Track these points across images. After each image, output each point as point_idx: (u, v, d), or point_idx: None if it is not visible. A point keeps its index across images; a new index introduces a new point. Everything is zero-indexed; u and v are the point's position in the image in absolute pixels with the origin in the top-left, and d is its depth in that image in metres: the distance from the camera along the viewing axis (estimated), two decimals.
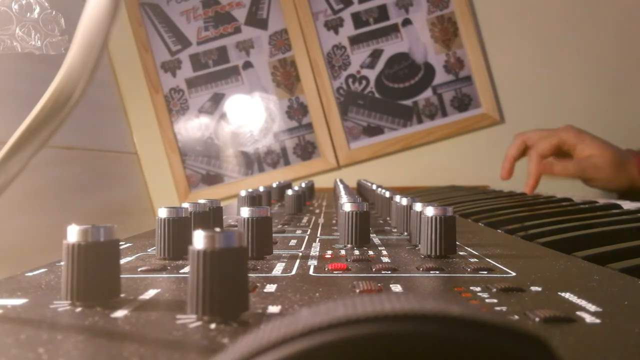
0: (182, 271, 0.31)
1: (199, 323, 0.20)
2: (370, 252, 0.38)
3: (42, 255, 0.87)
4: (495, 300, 0.24)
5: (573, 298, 0.25)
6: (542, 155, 1.01)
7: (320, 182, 1.49)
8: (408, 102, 1.59)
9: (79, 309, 0.22)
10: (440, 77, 1.58)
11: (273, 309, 0.23)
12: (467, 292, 0.26)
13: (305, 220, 0.61)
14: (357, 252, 0.38)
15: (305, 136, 1.61)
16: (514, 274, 0.31)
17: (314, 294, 0.26)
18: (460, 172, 1.54)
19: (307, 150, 1.61)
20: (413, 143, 1.58)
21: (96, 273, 0.23)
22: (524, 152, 1.06)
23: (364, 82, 1.60)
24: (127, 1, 1.60)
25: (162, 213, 0.35)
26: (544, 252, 0.38)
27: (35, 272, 0.30)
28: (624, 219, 0.55)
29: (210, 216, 0.44)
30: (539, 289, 0.27)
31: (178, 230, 0.34)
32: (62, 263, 0.23)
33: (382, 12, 1.59)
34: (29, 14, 0.97)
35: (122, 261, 0.34)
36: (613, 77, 1.55)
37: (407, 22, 1.59)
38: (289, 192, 0.68)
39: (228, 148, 1.63)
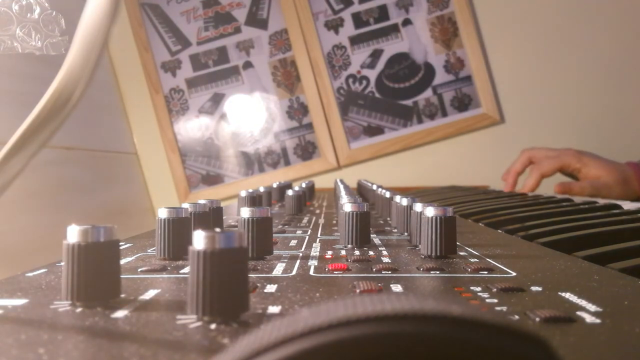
0: (182, 271, 0.31)
1: (199, 323, 0.20)
2: (371, 253, 0.38)
3: (42, 255, 0.87)
4: (495, 300, 0.24)
5: (573, 298, 0.25)
6: (543, 175, 1.09)
7: (321, 182, 1.49)
8: (408, 102, 1.59)
9: (79, 310, 0.22)
10: (441, 77, 1.58)
11: (273, 309, 0.23)
12: (468, 292, 0.26)
13: (305, 220, 0.61)
14: (357, 252, 0.38)
15: (306, 136, 1.61)
16: (514, 274, 0.31)
17: (315, 294, 0.26)
18: (460, 172, 1.54)
19: (307, 151, 1.61)
20: (413, 143, 1.58)
21: (96, 273, 0.23)
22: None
23: (364, 82, 1.60)
24: (127, 1, 1.60)
25: (162, 213, 0.35)
26: (544, 252, 0.38)
27: (35, 272, 0.30)
28: (624, 219, 0.55)
29: (210, 216, 0.44)
30: (539, 289, 0.27)
31: (178, 230, 0.34)
32: (62, 263, 0.23)
33: (382, 12, 1.59)
34: (29, 15, 0.97)
35: (122, 261, 0.34)
36: (613, 77, 1.55)
37: (407, 22, 1.59)
38: (290, 192, 0.68)
39: (228, 148, 1.63)
